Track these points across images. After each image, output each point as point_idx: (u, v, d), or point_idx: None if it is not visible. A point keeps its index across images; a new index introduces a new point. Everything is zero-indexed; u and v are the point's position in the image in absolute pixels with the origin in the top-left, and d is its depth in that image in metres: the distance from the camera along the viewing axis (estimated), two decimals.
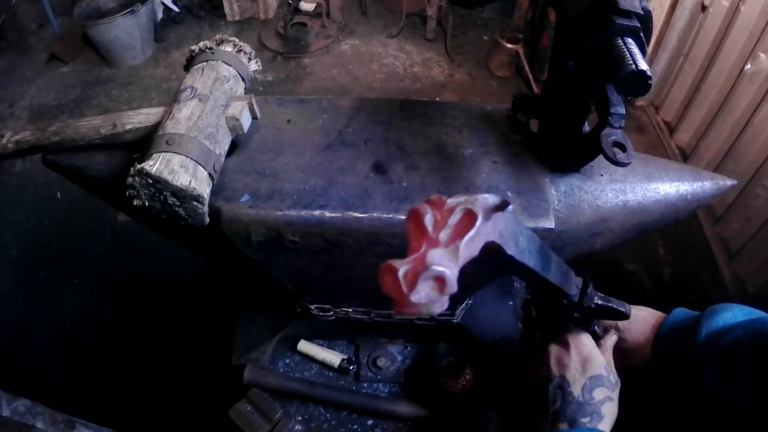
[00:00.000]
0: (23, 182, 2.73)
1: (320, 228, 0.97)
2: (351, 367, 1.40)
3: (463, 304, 1.33)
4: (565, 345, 0.91)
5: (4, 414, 0.94)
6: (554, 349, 0.91)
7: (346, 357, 1.40)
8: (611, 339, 0.96)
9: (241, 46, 1.15)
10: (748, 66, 2.23)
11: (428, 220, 0.46)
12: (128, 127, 1.02)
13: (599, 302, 0.92)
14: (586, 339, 0.92)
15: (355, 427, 1.33)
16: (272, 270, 1.16)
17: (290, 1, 3.65)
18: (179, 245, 1.28)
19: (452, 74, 3.44)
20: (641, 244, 2.39)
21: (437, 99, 3.20)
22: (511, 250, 0.53)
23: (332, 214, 0.97)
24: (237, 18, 3.84)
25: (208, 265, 2.06)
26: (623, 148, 0.85)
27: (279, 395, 1.28)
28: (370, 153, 1.08)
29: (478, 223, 0.45)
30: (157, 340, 2.05)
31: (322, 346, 1.43)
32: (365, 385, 1.39)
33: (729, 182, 1.17)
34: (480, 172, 1.05)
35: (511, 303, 1.48)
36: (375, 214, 0.97)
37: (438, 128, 1.14)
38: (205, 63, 1.07)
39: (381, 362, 1.39)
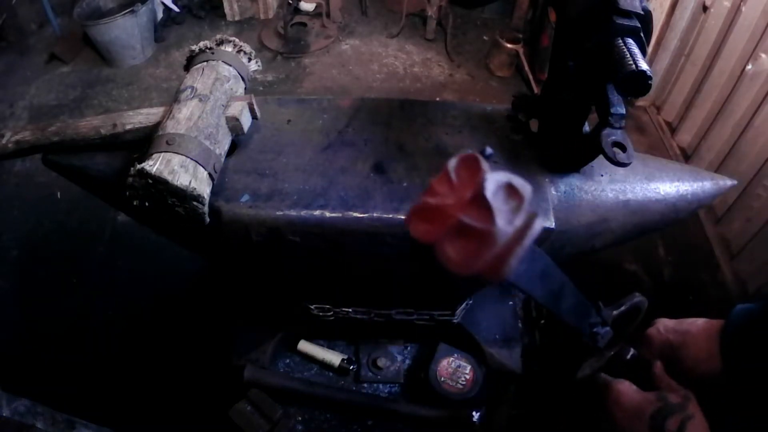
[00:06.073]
0: (23, 182, 2.73)
1: (320, 228, 0.97)
2: (351, 367, 1.39)
3: (463, 304, 1.33)
4: (611, 415, 0.86)
5: (4, 414, 0.94)
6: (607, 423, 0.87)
7: (346, 357, 1.40)
8: (657, 365, 0.90)
9: (241, 46, 1.15)
10: (749, 66, 2.23)
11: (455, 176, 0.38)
12: (128, 127, 1.02)
13: (615, 313, 0.90)
14: (622, 389, 0.87)
15: (355, 427, 1.32)
16: (272, 270, 1.16)
17: (290, 1, 3.65)
18: (179, 245, 1.28)
19: (452, 74, 3.44)
20: (641, 244, 2.38)
21: (437, 99, 3.19)
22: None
23: (332, 214, 0.97)
24: (237, 18, 3.84)
25: (208, 265, 2.06)
26: (623, 148, 0.85)
27: (279, 395, 1.28)
28: (370, 153, 1.08)
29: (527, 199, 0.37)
30: (157, 339, 2.05)
31: (322, 346, 1.43)
32: (365, 385, 1.39)
33: (729, 182, 1.17)
34: None
35: (511, 303, 1.48)
36: (375, 214, 0.97)
37: (438, 128, 1.14)
38: (205, 63, 1.07)
39: (381, 362, 1.39)
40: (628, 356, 0.96)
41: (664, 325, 0.95)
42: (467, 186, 0.37)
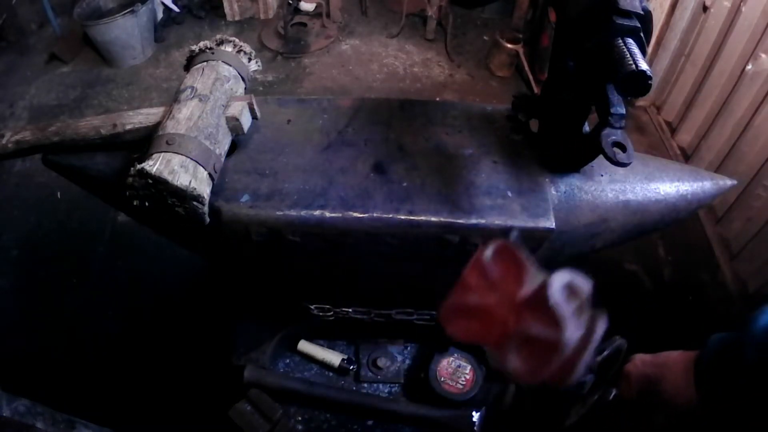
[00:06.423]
0: (23, 182, 2.73)
1: (320, 228, 0.97)
2: (351, 367, 1.39)
3: None
4: None
5: (4, 414, 0.94)
6: None
7: (346, 357, 1.40)
8: None
9: (241, 46, 1.14)
10: (749, 66, 2.23)
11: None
12: (128, 127, 1.02)
13: (599, 358, 0.91)
14: None
15: (355, 427, 1.32)
16: (272, 270, 1.16)
17: (290, 1, 3.65)
18: (179, 245, 1.28)
19: (452, 74, 3.44)
20: (641, 244, 2.38)
21: (437, 99, 3.19)
22: None
23: (332, 214, 0.97)
24: (237, 18, 3.83)
25: (208, 265, 2.06)
26: (623, 148, 0.85)
27: (279, 395, 1.28)
28: (370, 153, 1.08)
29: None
30: (157, 339, 2.05)
31: (322, 346, 1.43)
32: (365, 385, 1.39)
33: (729, 182, 1.17)
34: (480, 172, 1.05)
35: None
36: (375, 214, 0.97)
37: (438, 128, 1.14)
38: (205, 63, 1.07)
39: (381, 362, 1.39)
40: (611, 397, 0.97)
41: (642, 359, 0.96)
42: (511, 282, 0.34)
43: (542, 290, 0.33)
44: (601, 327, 0.35)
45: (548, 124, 1.09)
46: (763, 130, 2.15)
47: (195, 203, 0.91)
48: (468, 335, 0.33)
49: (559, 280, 0.34)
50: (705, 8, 2.54)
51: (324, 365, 1.41)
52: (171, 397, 1.83)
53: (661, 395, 0.90)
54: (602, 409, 0.97)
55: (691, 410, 0.87)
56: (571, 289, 0.34)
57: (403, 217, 0.97)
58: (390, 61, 3.53)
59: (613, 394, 0.97)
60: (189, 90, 1.01)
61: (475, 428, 1.24)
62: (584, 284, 0.35)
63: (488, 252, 0.36)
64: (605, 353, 0.94)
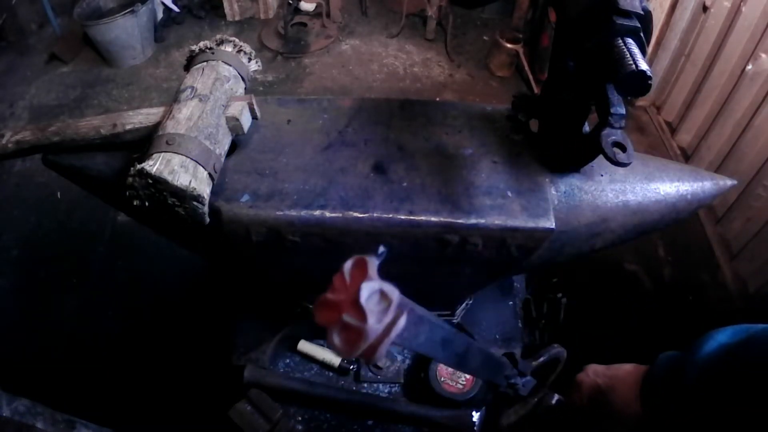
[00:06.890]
0: (23, 182, 2.73)
1: (320, 228, 0.97)
2: (351, 367, 1.39)
3: (463, 305, 1.33)
4: None
5: (4, 414, 0.94)
6: None
7: None
8: None
9: (241, 46, 1.14)
10: (750, 66, 2.23)
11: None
12: (128, 127, 1.02)
13: (534, 363, 0.96)
14: None
15: (355, 427, 1.32)
16: (272, 270, 1.16)
17: (290, 1, 3.65)
18: (179, 245, 1.28)
19: (452, 74, 3.44)
20: (641, 244, 2.39)
21: (437, 99, 3.19)
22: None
23: (332, 214, 0.97)
24: (237, 18, 3.84)
25: (208, 265, 2.06)
26: (623, 149, 0.84)
27: (279, 395, 1.28)
28: (370, 153, 1.08)
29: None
30: (157, 339, 2.05)
31: (322, 346, 1.43)
32: (365, 385, 1.39)
33: (729, 182, 1.17)
34: (480, 172, 1.05)
35: (511, 303, 1.48)
36: (375, 214, 0.97)
37: (438, 128, 1.14)
38: (205, 63, 1.07)
39: (381, 362, 1.39)
40: (554, 401, 1.01)
41: (594, 369, 0.99)
42: (355, 286, 0.47)
43: (356, 291, 0.46)
44: (400, 325, 0.48)
45: (548, 124, 1.09)
46: (763, 130, 2.16)
47: (195, 203, 0.91)
48: (326, 323, 0.48)
49: (370, 285, 0.47)
50: (705, 8, 2.54)
51: (324, 365, 1.41)
52: (171, 397, 1.83)
53: (610, 406, 0.92)
54: (546, 413, 1.01)
55: (637, 424, 0.89)
56: (382, 294, 0.47)
57: (403, 217, 0.97)
58: (390, 61, 3.53)
59: (555, 398, 1.02)
60: (189, 90, 1.01)
61: (475, 428, 1.24)
62: (392, 292, 0.48)
63: (349, 263, 0.49)
64: (541, 359, 0.99)
